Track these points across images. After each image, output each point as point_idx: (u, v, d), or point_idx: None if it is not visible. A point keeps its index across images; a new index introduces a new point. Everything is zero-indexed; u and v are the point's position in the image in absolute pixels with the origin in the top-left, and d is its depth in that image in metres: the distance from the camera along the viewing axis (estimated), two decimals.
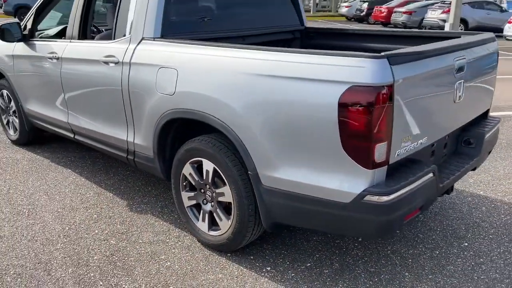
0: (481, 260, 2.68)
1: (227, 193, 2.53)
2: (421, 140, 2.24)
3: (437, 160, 2.64)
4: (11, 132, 4.76)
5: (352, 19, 28.09)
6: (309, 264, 2.64)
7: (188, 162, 2.70)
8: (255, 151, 2.29)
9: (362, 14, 26.29)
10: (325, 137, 2.04)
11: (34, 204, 3.38)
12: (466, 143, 2.85)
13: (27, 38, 4.03)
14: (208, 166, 2.59)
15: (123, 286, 2.43)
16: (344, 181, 2.05)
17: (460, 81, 2.44)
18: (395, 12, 21.94)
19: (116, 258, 2.69)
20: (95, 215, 3.21)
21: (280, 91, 2.15)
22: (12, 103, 4.51)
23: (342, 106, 1.95)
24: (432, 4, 20.48)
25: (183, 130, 2.83)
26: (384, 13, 23.24)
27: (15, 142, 4.72)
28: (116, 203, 3.41)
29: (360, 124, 1.93)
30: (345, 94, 1.94)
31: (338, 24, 23.85)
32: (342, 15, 30.64)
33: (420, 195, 2.18)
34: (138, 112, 2.91)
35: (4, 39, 4.00)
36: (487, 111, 3.11)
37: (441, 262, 2.66)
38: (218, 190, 2.59)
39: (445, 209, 3.34)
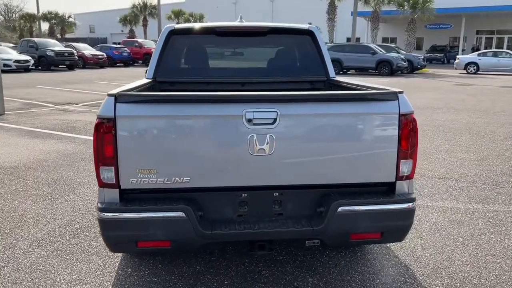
0: None
1: None
2: (177, 178, 2.34)
3: (261, 214, 2.48)
4: None
5: None
6: (156, 280, 2.96)
7: None
8: None
9: None
10: None
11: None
12: (320, 211, 2.45)
13: None
14: None
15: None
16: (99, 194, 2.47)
17: (262, 134, 2.31)
18: None
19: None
20: None
21: None
22: None
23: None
24: None
25: None
26: None
27: None
28: None
29: (93, 147, 2.36)
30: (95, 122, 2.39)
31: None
32: None
33: (157, 228, 2.31)
34: None
35: None
36: (391, 185, 2.49)
37: None
38: None
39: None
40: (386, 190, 2.53)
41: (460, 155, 6.52)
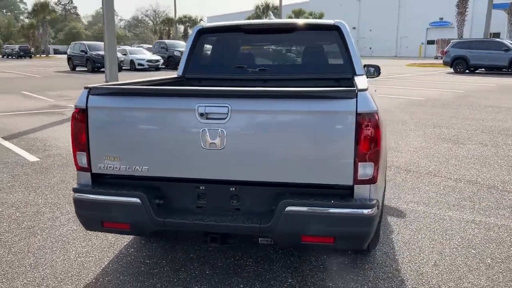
0: None
1: None
2: (138, 167, 2.51)
3: (219, 207, 2.53)
4: None
5: None
6: (148, 261, 3.19)
7: None
8: None
9: None
10: None
11: None
12: (271, 210, 2.40)
13: None
14: None
15: None
16: None
17: (214, 128, 2.36)
18: None
19: None
20: None
21: None
22: None
23: None
24: None
25: None
26: None
27: None
28: None
29: (71, 134, 2.63)
30: None
31: None
32: None
33: (117, 211, 2.51)
34: None
35: None
36: (349, 189, 2.32)
37: None
38: None
39: None
40: (345, 194, 2.37)
41: None
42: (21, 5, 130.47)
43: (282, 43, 4.17)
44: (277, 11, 40.02)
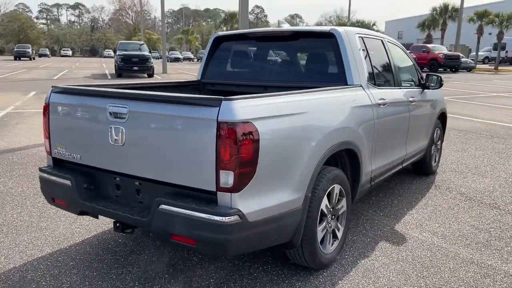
0: None
1: None
2: (74, 155, 2.95)
3: (129, 198, 2.81)
4: None
5: None
6: (118, 242, 3.62)
7: None
8: None
9: None
10: None
11: None
12: None
13: None
14: None
15: None
16: None
17: (117, 126, 2.66)
18: None
19: None
20: None
21: None
22: None
23: None
24: None
25: None
26: None
27: None
28: None
29: (43, 124, 3.23)
30: None
31: None
32: None
33: (58, 189, 3.01)
34: None
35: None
36: (214, 195, 2.36)
37: None
38: None
39: None
40: (212, 199, 2.38)
41: None
42: (223, 15, 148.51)
43: (282, 50, 4.12)
44: (456, 13, 36.52)
